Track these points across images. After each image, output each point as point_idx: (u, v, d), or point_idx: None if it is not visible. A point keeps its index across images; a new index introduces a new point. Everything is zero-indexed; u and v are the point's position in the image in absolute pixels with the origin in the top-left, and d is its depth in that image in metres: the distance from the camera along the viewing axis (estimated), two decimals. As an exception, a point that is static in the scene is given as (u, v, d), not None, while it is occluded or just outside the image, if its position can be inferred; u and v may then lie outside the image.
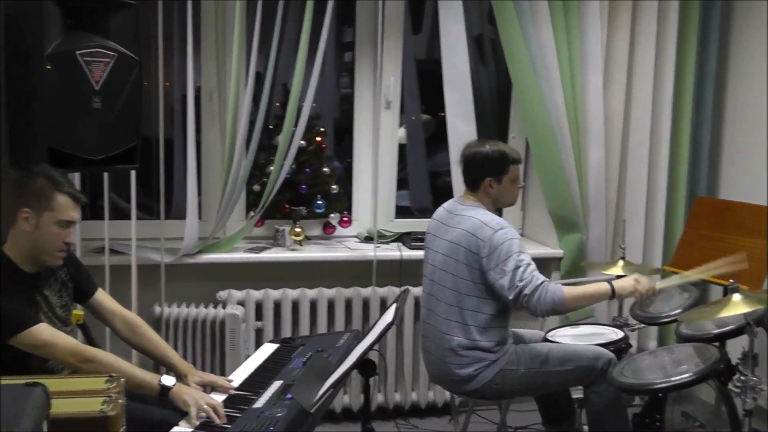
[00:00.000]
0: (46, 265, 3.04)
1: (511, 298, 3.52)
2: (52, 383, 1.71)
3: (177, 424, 2.76)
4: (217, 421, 2.80)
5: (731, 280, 3.22)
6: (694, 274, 3.83)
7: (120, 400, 1.81)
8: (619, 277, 4.24)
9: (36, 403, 1.57)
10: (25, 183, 2.94)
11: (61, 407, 1.74)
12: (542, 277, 3.53)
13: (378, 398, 4.73)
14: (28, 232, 2.93)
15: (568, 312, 3.78)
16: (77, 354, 2.86)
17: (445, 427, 4.67)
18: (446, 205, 3.92)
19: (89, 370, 2.81)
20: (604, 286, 3.63)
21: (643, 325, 4.30)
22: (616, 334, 4.06)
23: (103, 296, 3.33)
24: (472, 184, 3.78)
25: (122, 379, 1.93)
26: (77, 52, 3.14)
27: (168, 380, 2.90)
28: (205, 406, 2.84)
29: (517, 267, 3.51)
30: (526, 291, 3.48)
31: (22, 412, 1.52)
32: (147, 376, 2.91)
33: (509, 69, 4.72)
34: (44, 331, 2.85)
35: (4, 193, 2.96)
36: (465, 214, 3.71)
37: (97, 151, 3.31)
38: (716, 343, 3.67)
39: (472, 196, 3.78)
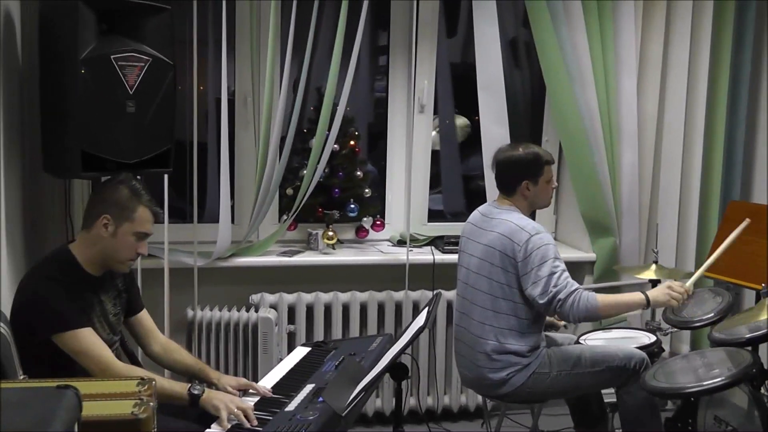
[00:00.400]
0: (113, 270, 3.13)
1: (543, 302, 3.52)
2: (84, 386, 1.73)
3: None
4: (248, 425, 2.83)
5: (764, 285, 3.19)
6: (713, 258, 3.81)
7: (151, 403, 1.83)
8: (652, 281, 4.25)
9: (67, 406, 1.60)
10: (109, 190, 3.04)
11: (92, 410, 1.76)
12: (576, 284, 3.54)
13: (410, 402, 4.73)
14: (104, 238, 3.01)
15: (600, 319, 3.76)
16: (106, 370, 2.89)
17: (478, 431, 4.66)
18: (481, 208, 3.92)
19: None
20: (638, 297, 3.64)
21: (675, 329, 4.27)
22: (648, 338, 4.05)
23: (146, 316, 3.40)
24: (509, 188, 3.79)
25: (154, 382, 1.95)
26: (112, 57, 3.20)
27: (197, 389, 2.93)
28: (236, 410, 2.87)
29: (552, 273, 3.51)
30: (560, 296, 3.48)
31: (53, 414, 1.54)
32: (176, 387, 2.95)
33: (543, 72, 4.71)
34: (85, 338, 2.90)
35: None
36: (501, 218, 3.71)
37: (131, 154, 3.36)
38: (749, 348, 3.64)
39: (507, 200, 3.78)
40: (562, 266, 3.56)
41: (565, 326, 4.16)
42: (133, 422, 1.77)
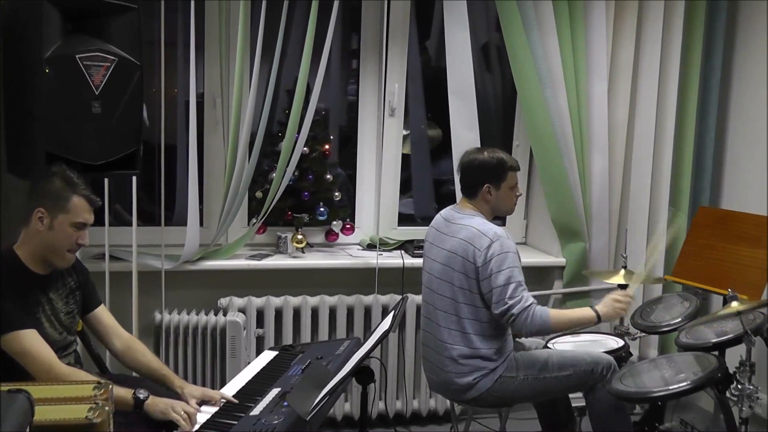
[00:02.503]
0: (55, 265, 3.06)
1: (497, 313, 3.53)
2: (39, 390, 1.70)
3: None
4: (188, 429, 2.81)
5: (729, 289, 3.20)
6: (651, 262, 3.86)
7: (107, 407, 1.80)
8: (620, 286, 4.26)
9: (18, 410, 1.56)
10: (42, 183, 2.98)
11: (46, 414, 1.73)
12: (531, 298, 3.54)
13: (379, 406, 4.71)
14: (41, 232, 2.96)
15: (552, 333, 3.76)
16: (48, 372, 2.84)
17: (446, 436, 4.66)
18: (443, 213, 3.91)
19: None
20: (588, 313, 3.66)
21: (643, 333, 4.29)
22: (616, 343, 4.06)
23: (104, 312, 3.34)
24: (471, 191, 3.78)
25: (111, 386, 1.92)
26: (77, 56, 3.15)
27: (142, 393, 2.89)
28: (182, 412, 2.85)
29: (508, 283, 3.51)
30: (514, 311, 3.49)
31: (2, 418, 1.51)
32: (121, 391, 2.86)
33: (514, 77, 4.71)
34: (27, 339, 2.84)
35: (4, 194, 2.98)
36: (462, 223, 3.70)
37: (97, 156, 3.31)
38: (715, 352, 3.67)
39: (470, 204, 3.77)
40: (520, 277, 3.55)
41: None
42: (87, 427, 1.74)
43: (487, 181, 3.72)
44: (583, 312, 3.68)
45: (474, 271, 3.57)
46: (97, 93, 3.23)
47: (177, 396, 3.09)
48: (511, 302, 3.49)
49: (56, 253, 3.02)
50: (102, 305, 3.35)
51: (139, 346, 3.34)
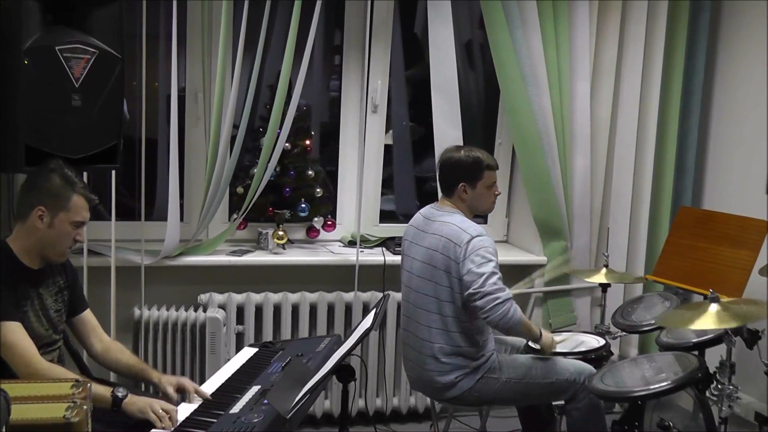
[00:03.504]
0: (51, 261, 3.08)
1: (477, 301, 3.49)
2: (16, 388, 1.68)
3: None
4: (170, 427, 2.78)
5: (711, 290, 3.21)
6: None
7: (85, 406, 1.77)
8: (602, 285, 4.28)
9: (-7, 409, 1.54)
10: (40, 181, 2.97)
11: (23, 413, 1.70)
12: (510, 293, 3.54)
13: (359, 403, 4.70)
14: (40, 230, 2.97)
15: (509, 334, 3.75)
16: (28, 366, 2.83)
17: (426, 433, 4.65)
18: (423, 211, 3.90)
19: None
20: (535, 329, 3.70)
21: (624, 333, 4.30)
22: (597, 342, 4.05)
23: (90, 316, 3.33)
24: (447, 190, 3.78)
25: (89, 385, 1.89)
26: (57, 48, 3.11)
27: (120, 391, 2.86)
28: (160, 411, 2.82)
29: (493, 273, 3.50)
30: (501, 296, 3.47)
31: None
32: (100, 389, 2.84)
33: (497, 75, 4.70)
34: (12, 331, 2.82)
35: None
36: (442, 220, 3.69)
37: (77, 149, 3.28)
38: (695, 352, 3.68)
39: (448, 202, 3.77)
40: (498, 269, 3.55)
41: None
42: (64, 426, 1.70)
43: (463, 180, 3.72)
44: (534, 327, 3.72)
45: (456, 268, 3.56)
46: (77, 86, 3.19)
47: (155, 392, 3.07)
48: (494, 288, 3.47)
49: (54, 249, 3.03)
50: (88, 309, 3.34)
51: (117, 347, 3.33)
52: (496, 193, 3.82)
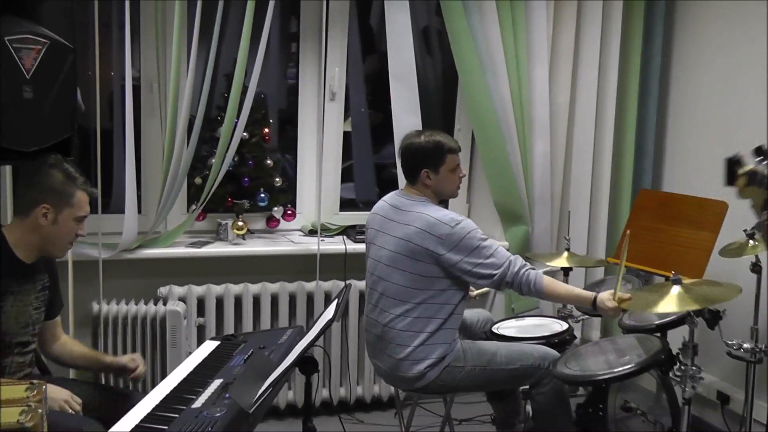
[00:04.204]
0: (51, 257, 3.13)
1: (497, 274, 3.51)
2: (-33, 392, 1.62)
3: None
4: (69, 410, 2.88)
5: (673, 272, 3.22)
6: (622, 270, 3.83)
7: (40, 410, 1.71)
8: (564, 269, 4.28)
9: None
10: (42, 177, 3.00)
11: (-26, 419, 1.65)
12: (519, 259, 3.56)
13: (323, 393, 4.68)
14: (44, 227, 2.99)
15: (545, 299, 3.73)
16: None
17: (390, 421, 4.64)
18: (387, 199, 3.84)
19: None
20: (588, 296, 3.58)
21: (587, 316, 4.31)
22: (560, 326, 4.06)
23: (58, 322, 3.36)
24: (410, 177, 3.74)
25: (44, 387, 1.83)
26: (6, 38, 3.02)
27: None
28: (62, 403, 2.88)
29: (491, 255, 3.52)
30: (519, 264, 3.52)
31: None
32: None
33: (455, 61, 4.69)
34: None
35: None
36: (415, 210, 3.64)
37: (30, 142, 3.19)
38: (658, 334, 3.70)
39: (414, 189, 3.73)
40: (495, 244, 3.56)
41: (475, 298, 4.12)
42: (19, 432, 1.65)
43: (425, 165, 3.67)
44: (583, 293, 3.64)
45: (435, 259, 3.53)
46: (28, 77, 3.11)
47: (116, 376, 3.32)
48: (504, 261, 3.51)
49: (57, 246, 3.08)
50: (59, 317, 3.35)
51: (71, 341, 3.40)
52: (461, 175, 3.77)
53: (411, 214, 3.64)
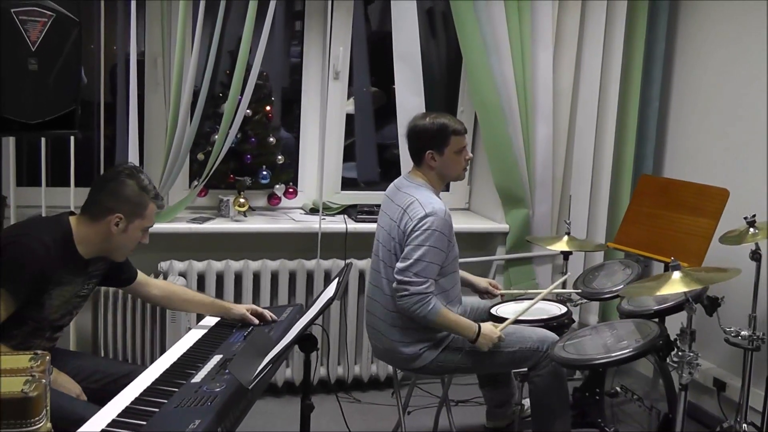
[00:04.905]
0: (111, 258, 3.20)
1: (394, 285, 3.53)
2: (-29, 362, 1.63)
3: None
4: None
5: (672, 258, 3.23)
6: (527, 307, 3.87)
7: (44, 380, 1.72)
8: (563, 253, 4.29)
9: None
10: (119, 186, 3.06)
11: (-24, 386, 1.66)
12: (431, 287, 3.51)
13: (320, 371, 4.70)
14: (113, 234, 3.05)
15: (431, 326, 3.65)
16: None
17: (387, 401, 4.65)
18: (396, 181, 3.87)
19: None
20: (472, 329, 3.60)
21: (585, 300, 4.33)
22: (559, 310, 4.07)
23: (141, 276, 3.48)
24: (416, 158, 3.75)
25: (48, 357, 1.84)
26: (12, 10, 3.03)
27: None
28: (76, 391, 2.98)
29: (421, 260, 3.49)
30: (412, 289, 3.48)
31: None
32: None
33: (460, 43, 4.68)
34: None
35: None
36: (408, 192, 3.67)
37: (34, 115, 3.20)
38: (656, 319, 3.71)
39: (419, 172, 3.74)
40: (435, 260, 3.52)
41: (502, 296, 4.14)
42: (22, 401, 1.65)
43: (430, 147, 3.68)
44: (468, 325, 3.61)
45: (401, 236, 3.57)
46: (33, 50, 3.12)
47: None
48: (414, 279, 3.48)
49: (121, 252, 3.18)
50: (138, 275, 3.45)
51: (178, 291, 3.60)
52: (467, 157, 3.76)
53: (402, 195, 3.68)
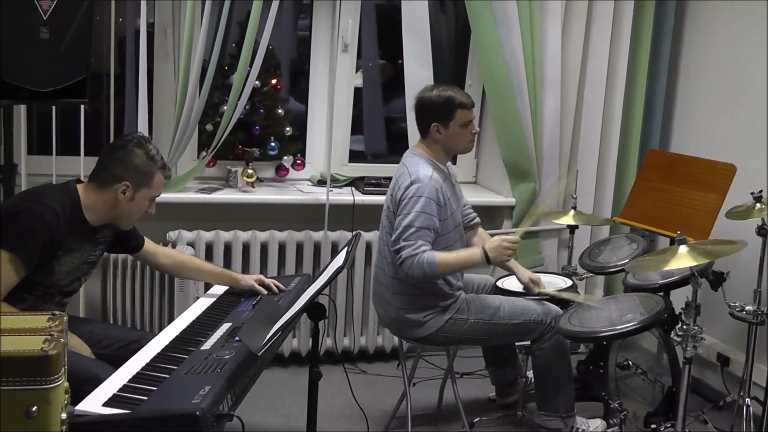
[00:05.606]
0: (118, 226, 3.24)
1: (392, 251, 3.58)
2: (-8, 321, 1.66)
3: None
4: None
5: (678, 232, 3.24)
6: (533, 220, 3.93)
7: (62, 339, 1.75)
8: (569, 227, 4.30)
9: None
10: (127, 155, 3.08)
11: (-1, 345, 1.69)
12: (423, 245, 3.51)
13: (327, 342, 4.73)
14: (121, 202, 3.09)
15: (438, 278, 3.66)
16: None
17: (393, 372, 4.69)
18: (406, 152, 3.89)
19: None
20: (475, 254, 3.61)
21: (591, 274, 4.34)
22: (564, 283, 4.09)
23: (149, 244, 3.53)
24: (422, 131, 3.77)
25: (65, 317, 1.87)
26: (23, -21, 3.06)
27: None
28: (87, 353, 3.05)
29: (409, 226, 3.52)
30: (403, 254, 3.50)
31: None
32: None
33: (468, 16, 4.66)
34: (3, 261, 2.86)
35: None
36: (402, 163, 3.73)
37: (45, 83, 3.25)
38: (661, 293, 3.73)
39: (423, 144, 3.76)
40: (426, 223, 3.53)
41: (537, 294, 4.14)
42: (42, 359, 1.68)
43: (435, 120, 3.69)
44: (471, 253, 3.64)
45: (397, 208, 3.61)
46: (45, 18, 3.14)
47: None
48: (403, 244, 3.51)
49: (127, 220, 3.21)
50: (145, 242, 3.49)
51: (187, 262, 3.64)
52: (473, 131, 3.76)
53: (400, 167, 3.73)
